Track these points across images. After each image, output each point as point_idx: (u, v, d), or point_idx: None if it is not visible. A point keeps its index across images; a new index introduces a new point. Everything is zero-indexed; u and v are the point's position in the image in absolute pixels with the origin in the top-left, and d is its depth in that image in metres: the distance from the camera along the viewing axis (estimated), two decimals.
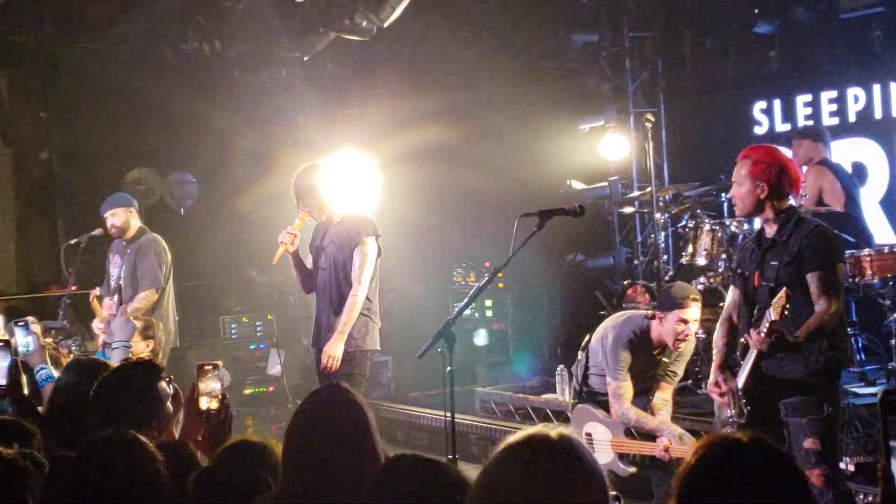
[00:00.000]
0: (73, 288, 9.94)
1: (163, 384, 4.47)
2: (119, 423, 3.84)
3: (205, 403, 4.35)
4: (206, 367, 4.43)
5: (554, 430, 2.59)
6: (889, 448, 3.08)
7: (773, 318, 5.47)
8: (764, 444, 2.64)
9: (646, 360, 7.20)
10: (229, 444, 3.93)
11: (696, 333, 7.32)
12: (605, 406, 7.28)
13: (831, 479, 5.64)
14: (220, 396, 4.39)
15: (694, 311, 6.94)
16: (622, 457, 7.19)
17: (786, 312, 5.43)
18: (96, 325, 9.09)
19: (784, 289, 5.49)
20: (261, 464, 3.75)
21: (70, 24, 12.63)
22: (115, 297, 9.22)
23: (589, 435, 7.33)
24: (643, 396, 7.29)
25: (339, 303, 7.43)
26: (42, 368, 5.70)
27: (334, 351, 7.25)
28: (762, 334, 5.57)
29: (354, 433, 3.45)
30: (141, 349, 7.43)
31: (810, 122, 10.51)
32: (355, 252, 7.39)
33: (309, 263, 7.77)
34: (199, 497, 3.64)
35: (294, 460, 3.45)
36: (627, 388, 7.09)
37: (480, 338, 11.02)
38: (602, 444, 7.26)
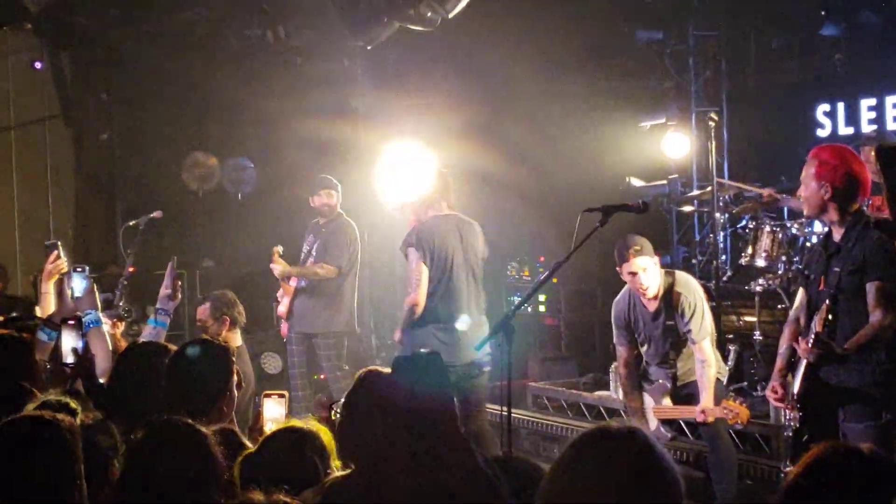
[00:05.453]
0: (131, 269, 9.99)
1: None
2: (183, 406, 3.83)
3: (269, 428, 4.41)
4: (272, 395, 4.56)
5: (623, 424, 2.58)
6: None
7: (816, 330, 5.43)
8: (883, 458, 2.62)
9: (644, 319, 7.44)
10: (274, 431, 3.95)
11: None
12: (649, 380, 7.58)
13: None
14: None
15: (638, 262, 7.17)
16: (664, 423, 7.45)
17: (827, 325, 5.38)
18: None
19: (827, 301, 5.43)
20: (307, 449, 3.76)
21: (135, 8, 12.74)
22: None
23: None
24: (664, 366, 7.49)
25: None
26: (89, 313, 5.71)
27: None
28: (809, 344, 5.52)
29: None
30: (214, 330, 7.43)
31: (874, 127, 10.37)
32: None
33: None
34: (245, 481, 3.58)
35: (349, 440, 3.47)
36: (621, 352, 7.61)
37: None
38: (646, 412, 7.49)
